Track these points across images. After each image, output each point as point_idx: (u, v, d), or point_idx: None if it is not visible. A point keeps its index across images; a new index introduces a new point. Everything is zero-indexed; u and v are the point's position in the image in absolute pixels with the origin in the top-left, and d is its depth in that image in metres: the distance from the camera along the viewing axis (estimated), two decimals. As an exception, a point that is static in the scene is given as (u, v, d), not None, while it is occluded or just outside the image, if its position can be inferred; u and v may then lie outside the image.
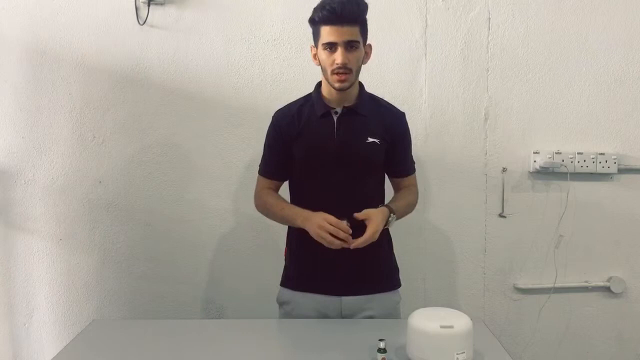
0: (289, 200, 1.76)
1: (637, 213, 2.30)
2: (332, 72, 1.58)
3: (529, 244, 2.30)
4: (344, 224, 1.53)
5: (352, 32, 1.55)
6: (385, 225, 1.60)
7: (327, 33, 1.55)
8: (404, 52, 2.21)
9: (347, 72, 1.58)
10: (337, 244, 1.52)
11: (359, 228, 1.55)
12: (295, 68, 2.18)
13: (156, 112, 2.19)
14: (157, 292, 2.24)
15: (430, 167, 2.23)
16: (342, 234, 1.52)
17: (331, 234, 1.52)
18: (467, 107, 2.24)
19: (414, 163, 1.82)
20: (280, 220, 1.73)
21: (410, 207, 1.78)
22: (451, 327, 1.30)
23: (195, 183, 2.22)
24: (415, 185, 1.82)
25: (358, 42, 1.58)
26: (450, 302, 2.25)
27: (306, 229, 1.58)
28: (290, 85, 2.17)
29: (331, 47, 1.56)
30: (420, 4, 2.20)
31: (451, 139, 2.24)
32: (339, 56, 1.55)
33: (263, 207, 1.77)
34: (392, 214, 1.62)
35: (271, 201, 1.74)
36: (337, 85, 1.60)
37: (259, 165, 1.80)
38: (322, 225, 1.53)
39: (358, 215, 1.56)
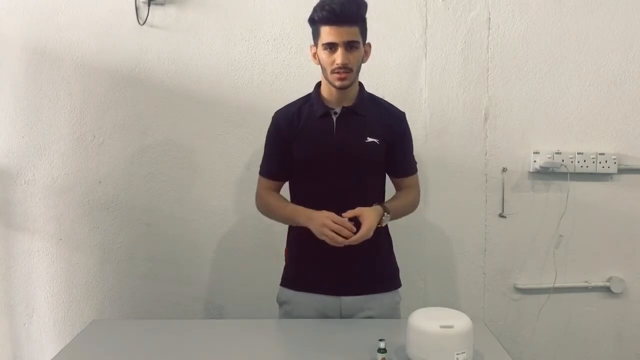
0: (289, 200, 1.76)
1: (637, 213, 2.30)
2: (332, 72, 1.58)
3: (529, 244, 2.30)
4: (347, 221, 1.54)
5: (352, 32, 1.55)
6: (378, 224, 1.60)
7: (327, 33, 1.55)
8: (404, 52, 2.21)
9: (348, 71, 1.58)
10: (340, 242, 1.53)
11: (356, 227, 1.55)
12: (295, 68, 2.18)
13: (156, 112, 2.19)
14: (157, 292, 2.24)
15: (430, 167, 2.23)
16: (345, 232, 1.52)
17: (335, 232, 1.52)
18: (467, 107, 2.24)
19: (415, 163, 1.81)
20: (282, 219, 1.74)
21: (408, 207, 1.78)
22: (451, 327, 1.30)
23: (195, 183, 2.22)
24: (417, 186, 1.82)
25: (358, 42, 1.58)
26: (450, 302, 2.25)
27: (309, 227, 1.58)
28: (290, 85, 2.17)
29: (331, 47, 1.56)
30: (420, 4, 2.20)
31: (451, 139, 2.24)
32: (339, 56, 1.55)
33: (265, 208, 1.77)
34: (386, 213, 1.62)
35: (273, 201, 1.74)
36: (337, 84, 1.60)
37: (260, 166, 1.80)
38: (325, 223, 1.53)
39: (348, 213, 1.56)
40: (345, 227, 1.53)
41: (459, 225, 2.28)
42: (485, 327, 1.63)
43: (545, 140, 2.26)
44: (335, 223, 1.53)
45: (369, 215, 1.56)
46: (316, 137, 1.67)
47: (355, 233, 1.54)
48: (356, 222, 1.56)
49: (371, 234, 1.55)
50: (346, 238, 1.52)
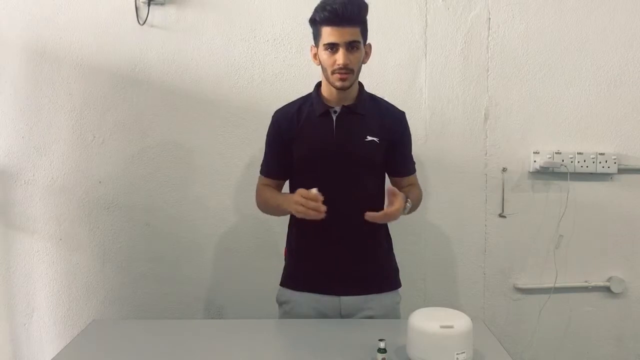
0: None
1: (637, 213, 2.30)
2: (333, 72, 1.59)
3: (529, 244, 2.30)
4: (313, 192, 1.51)
5: (353, 32, 1.56)
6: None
7: (328, 34, 1.56)
8: (404, 52, 2.21)
9: (349, 72, 1.58)
10: (312, 214, 1.49)
11: (356, 212, 1.55)
12: (295, 68, 2.18)
13: (156, 112, 2.19)
14: (157, 292, 2.24)
15: (430, 167, 2.23)
16: (312, 204, 1.49)
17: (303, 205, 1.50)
18: (467, 107, 2.24)
19: (414, 163, 1.82)
20: (276, 211, 1.73)
21: (417, 203, 1.77)
22: (451, 327, 1.30)
23: (195, 183, 2.22)
24: (418, 184, 1.82)
25: (359, 42, 1.58)
26: (450, 302, 2.25)
27: (291, 210, 1.57)
28: (290, 85, 2.17)
29: (332, 47, 1.57)
30: (420, 4, 2.20)
31: (451, 139, 2.24)
32: (340, 57, 1.56)
33: (262, 204, 1.77)
34: (408, 200, 1.62)
35: (267, 195, 1.75)
36: (338, 84, 1.60)
37: (261, 165, 1.80)
38: (296, 200, 1.52)
39: (390, 188, 1.56)
40: (310, 198, 1.49)
41: (459, 225, 2.28)
42: (485, 327, 1.63)
43: (545, 140, 2.26)
44: (303, 196, 1.50)
45: (400, 198, 1.55)
46: (316, 135, 1.67)
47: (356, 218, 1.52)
48: (354, 211, 1.55)
49: (398, 216, 1.55)
50: (316, 211, 1.49)
